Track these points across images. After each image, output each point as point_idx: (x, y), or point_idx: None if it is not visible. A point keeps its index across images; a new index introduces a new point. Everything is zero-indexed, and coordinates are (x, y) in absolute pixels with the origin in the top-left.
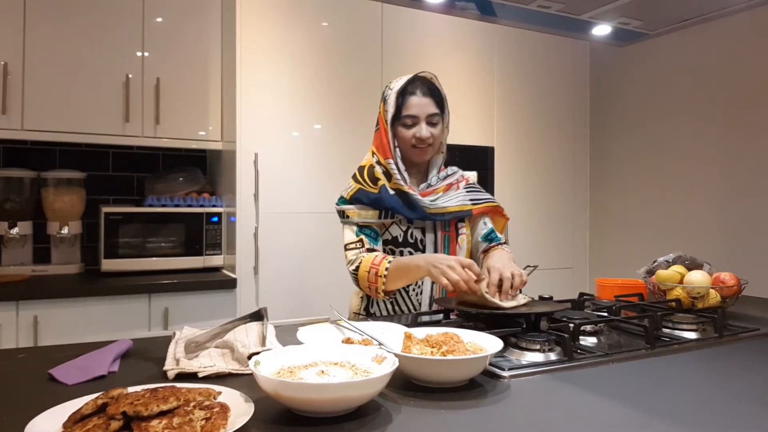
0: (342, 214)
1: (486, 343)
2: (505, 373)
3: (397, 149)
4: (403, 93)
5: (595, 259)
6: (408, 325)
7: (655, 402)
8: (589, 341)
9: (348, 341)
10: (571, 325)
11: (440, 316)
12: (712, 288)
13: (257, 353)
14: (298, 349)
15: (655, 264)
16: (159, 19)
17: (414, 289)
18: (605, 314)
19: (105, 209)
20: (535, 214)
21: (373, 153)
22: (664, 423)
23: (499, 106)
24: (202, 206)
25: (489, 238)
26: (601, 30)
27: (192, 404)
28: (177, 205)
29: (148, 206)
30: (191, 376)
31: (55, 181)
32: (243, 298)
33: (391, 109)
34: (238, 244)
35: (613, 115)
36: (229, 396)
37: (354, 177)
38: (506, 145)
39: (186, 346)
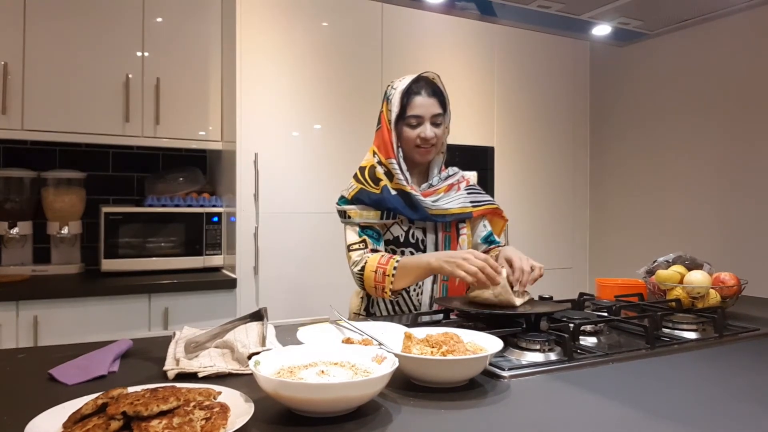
0: (343, 215)
1: (486, 343)
2: (505, 373)
3: (400, 149)
4: (408, 93)
5: (595, 259)
6: (408, 325)
7: (655, 402)
8: (589, 341)
9: (348, 341)
10: (571, 325)
11: (440, 316)
12: (712, 288)
13: (257, 353)
14: (298, 349)
15: (655, 264)
16: (159, 19)
17: (414, 289)
18: (605, 314)
19: (105, 209)
20: (535, 214)
21: (375, 152)
22: (664, 423)
23: (499, 106)
24: (202, 206)
25: (488, 240)
26: (601, 30)
27: (192, 404)
28: (177, 205)
29: (148, 206)
30: (191, 376)
31: (55, 181)
32: (243, 298)
33: (395, 108)
34: (238, 244)
35: (613, 115)
36: (229, 396)
37: (355, 177)
38: (506, 145)
39: (186, 346)
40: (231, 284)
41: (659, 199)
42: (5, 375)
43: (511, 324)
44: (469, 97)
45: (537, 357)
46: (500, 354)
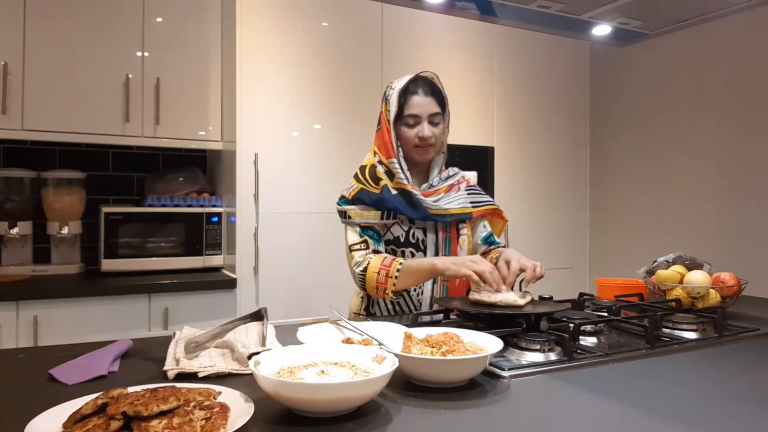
0: (344, 215)
1: (486, 343)
2: (505, 373)
3: (400, 149)
4: (405, 92)
5: (595, 259)
6: (408, 325)
7: (655, 402)
8: (589, 341)
9: (348, 341)
10: (571, 325)
11: (440, 316)
12: (712, 288)
13: (257, 353)
14: (298, 349)
15: (655, 264)
16: (159, 19)
17: (415, 289)
18: (605, 314)
19: (105, 209)
20: (535, 214)
21: (375, 153)
22: (664, 423)
23: (499, 106)
24: (202, 206)
25: (488, 241)
26: (601, 30)
27: (192, 404)
28: (177, 205)
29: (148, 206)
30: (191, 376)
31: (55, 181)
32: (243, 298)
33: (393, 108)
34: (238, 244)
35: (613, 115)
36: (229, 396)
37: (356, 177)
38: (506, 145)
39: (186, 346)
40: (231, 284)
41: (659, 199)
42: (5, 375)
43: (511, 324)
44: (469, 97)
45: (537, 357)
46: (500, 354)
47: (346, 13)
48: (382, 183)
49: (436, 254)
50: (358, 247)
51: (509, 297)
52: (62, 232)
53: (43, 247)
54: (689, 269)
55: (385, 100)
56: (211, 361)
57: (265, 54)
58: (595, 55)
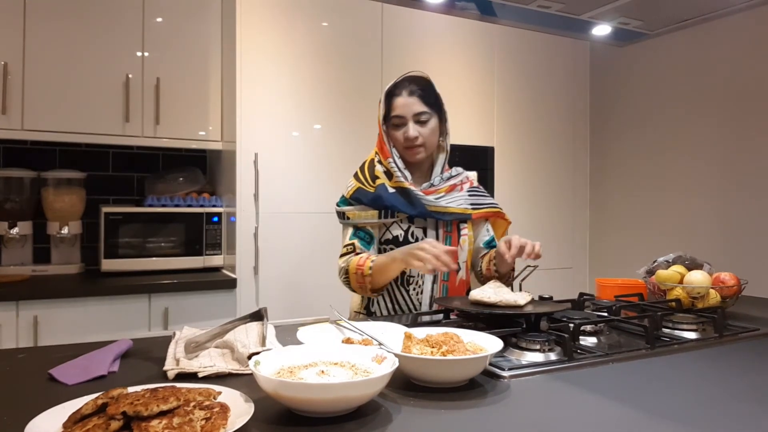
0: (342, 216)
1: (486, 343)
2: (505, 373)
3: (394, 149)
4: (390, 94)
5: (595, 259)
6: (408, 325)
7: (655, 402)
8: (589, 341)
9: (348, 341)
10: (571, 325)
11: (440, 316)
12: (712, 288)
13: (257, 353)
14: (298, 349)
15: (655, 264)
16: (159, 19)
17: (414, 289)
18: (605, 314)
19: (105, 209)
20: (535, 214)
21: (376, 153)
22: (664, 423)
23: (499, 106)
24: (202, 206)
25: (491, 245)
26: (601, 30)
27: (192, 404)
28: (177, 205)
29: (148, 206)
30: (191, 376)
31: (55, 181)
32: (243, 298)
33: (381, 110)
34: (238, 244)
35: (613, 115)
36: (229, 396)
37: (355, 175)
38: (506, 145)
39: (186, 346)
40: (231, 284)
41: (659, 199)
42: (5, 375)
43: (511, 324)
44: (469, 97)
45: (537, 357)
46: (500, 354)
47: (346, 13)
48: (378, 182)
49: None
50: (345, 250)
51: (509, 297)
52: (62, 232)
53: (43, 247)
54: (689, 269)
55: (379, 102)
56: (211, 361)
57: (265, 54)
58: (595, 55)
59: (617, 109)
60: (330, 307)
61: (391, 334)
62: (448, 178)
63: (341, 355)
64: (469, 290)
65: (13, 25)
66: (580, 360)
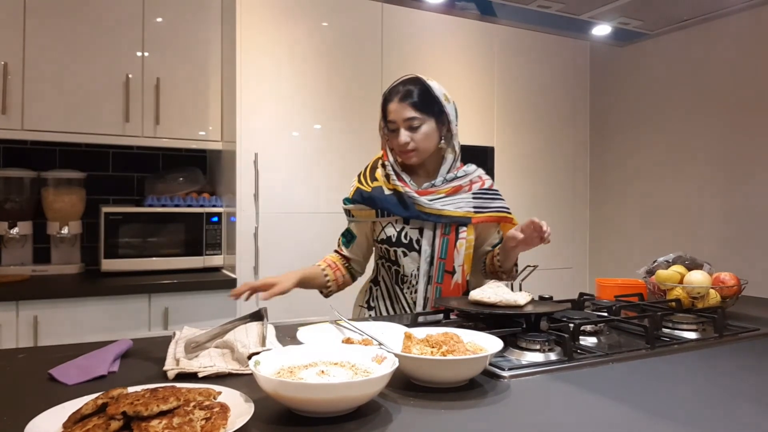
0: (348, 213)
1: (486, 343)
2: (505, 373)
3: (391, 152)
4: (385, 100)
5: (595, 259)
6: (408, 325)
7: (655, 402)
8: (589, 341)
9: (348, 341)
10: (571, 325)
11: (440, 316)
12: (712, 288)
13: (257, 353)
14: (298, 349)
15: (655, 264)
16: (159, 20)
17: (408, 288)
18: (605, 314)
19: (105, 209)
20: (535, 214)
21: (382, 152)
22: (664, 423)
23: (499, 106)
24: (202, 206)
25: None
26: (601, 30)
27: (192, 404)
28: (177, 205)
29: (148, 206)
30: (191, 376)
31: (55, 181)
32: (243, 298)
33: (379, 115)
34: (238, 244)
35: (612, 115)
36: (229, 396)
37: (358, 176)
38: (506, 145)
39: (186, 346)
40: (231, 284)
41: (659, 199)
42: (5, 375)
43: (511, 324)
44: (469, 97)
45: (537, 357)
46: (500, 354)
47: (346, 13)
48: (375, 183)
49: (432, 255)
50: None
51: (509, 297)
52: (62, 232)
53: (43, 247)
54: (689, 269)
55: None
56: (211, 361)
57: (265, 54)
58: (595, 55)
59: (617, 109)
60: (330, 307)
61: (391, 334)
62: (453, 179)
63: (341, 355)
64: (466, 292)
65: (14, 25)
66: (580, 360)
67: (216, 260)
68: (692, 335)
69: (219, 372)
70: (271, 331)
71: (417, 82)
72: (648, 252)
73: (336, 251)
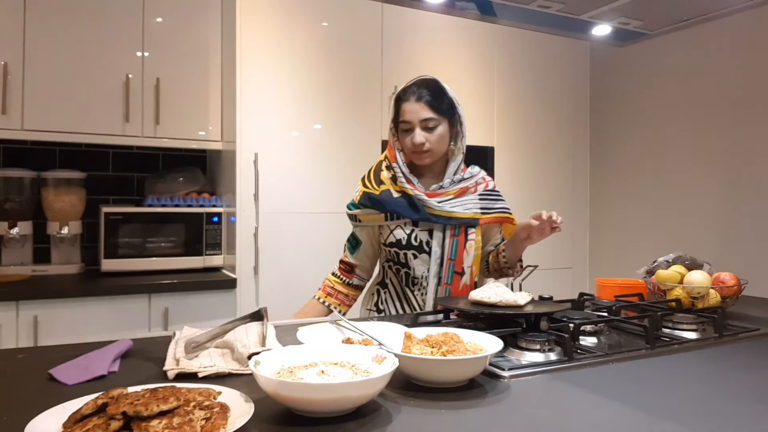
0: (354, 218)
1: (486, 343)
2: (505, 373)
3: (400, 153)
4: (399, 99)
5: (595, 259)
6: (408, 325)
7: (655, 402)
8: (589, 341)
9: (348, 341)
10: (571, 325)
11: (440, 316)
12: (712, 288)
13: (257, 353)
14: (298, 349)
15: (655, 264)
16: (159, 20)
17: (419, 290)
18: (605, 314)
19: (105, 209)
20: None
21: (386, 154)
22: (664, 423)
23: (499, 106)
24: (202, 206)
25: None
26: (601, 30)
27: (192, 404)
28: (177, 205)
29: (148, 206)
30: (191, 376)
31: (55, 181)
32: (243, 298)
33: (391, 114)
34: (238, 244)
35: (612, 115)
36: (229, 396)
37: (362, 179)
38: (506, 145)
39: (186, 346)
40: (231, 284)
41: (659, 199)
42: (5, 375)
43: (511, 324)
44: (470, 97)
45: (537, 357)
46: (500, 354)
47: (346, 13)
48: (383, 187)
49: (442, 257)
50: (339, 262)
51: (509, 297)
52: (62, 232)
53: (43, 247)
54: (689, 269)
55: (390, 104)
56: (211, 361)
57: (265, 54)
58: (595, 55)
59: (617, 109)
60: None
61: (391, 334)
62: (460, 181)
63: (341, 355)
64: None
65: (14, 25)
66: (580, 360)
67: (216, 260)
68: (692, 335)
69: (219, 372)
70: (271, 331)
71: (433, 83)
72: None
73: (333, 271)
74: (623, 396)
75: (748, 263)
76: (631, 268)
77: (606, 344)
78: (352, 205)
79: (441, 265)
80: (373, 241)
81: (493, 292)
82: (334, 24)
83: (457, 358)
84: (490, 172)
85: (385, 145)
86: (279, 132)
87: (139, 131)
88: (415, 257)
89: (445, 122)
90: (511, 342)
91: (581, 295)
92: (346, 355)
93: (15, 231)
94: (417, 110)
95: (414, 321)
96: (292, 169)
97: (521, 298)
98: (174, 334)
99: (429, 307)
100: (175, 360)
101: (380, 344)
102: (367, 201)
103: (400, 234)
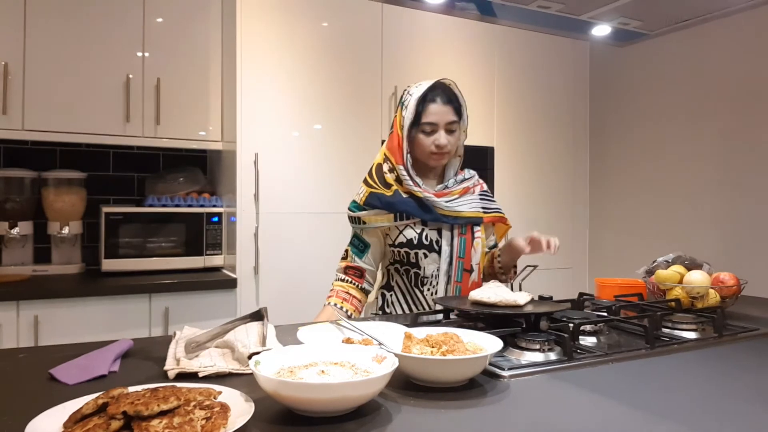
0: (358, 220)
1: (486, 343)
2: (505, 373)
3: (408, 155)
4: (424, 100)
5: (594, 259)
6: (408, 325)
7: (654, 401)
8: (588, 341)
9: (348, 341)
10: (571, 324)
11: (440, 316)
12: (711, 288)
13: (257, 353)
14: (298, 349)
15: (655, 264)
16: (159, 20)
17: (429, 289)
18: (605, 314)
19: (105, 209)
20: (534, 214)
21: (386, 155)
22: (664, 422)
23: (499, 106)
24: (202, 206)
25: (494, 248)
26: (601, 30)
27: (192, 404)
28: (177, 205)
29: (149, 206)
30: (191, 376)
31: (55, 181)
32: (243, 298)
33: (410, 115)
34: (238, 244)
35: (612, 115)
36: (229, 396)
37: (365, 181)
38: (506, 145)
39: (186, 345)
40: (231, 284)
41: (659, 199)
42: (6, 375)
43: (511, 324)
44: (469, 98)
45: (537, 357)
46: (500, 354)
47: (346, 14)
48: (393, 188)
49: (451, 255)
50: (343, 255)
51: (509, 297)
52: (63, 232)
53: (44, 247)
54: (689, 269)
55: (402, 105)
56: (211, 360)
57: (265, 54)
58: (595, 56)
59: (617, 109)
60: (328, 319)
61: (391, 334)
62: (462, 181)
63: (341, 355)
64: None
65: (14, 25)
66: (579, 360)
67: (216, 260)
68: (692, 335)
69: (219, 372)
70: (271, 331)
71: (453, 87)
72: (647, 252)
73: (341, 277)
74: (623, 395)
75: (747, 263)
76: (631, 268)
77: (605, 344)
78: (356, 207)
79: (450, 263)
80: (380, 243)
81: (493, 292)
82: (334, 24)
83: (456, 358)
84: (490, 172)
85: None
86: (279, 132)
87: (139, 131)
88: (426, 256)
89: (459, 125)
90: (510, 342)
91: (581, 295)
92: (346, 355)
93: (15, 231)
94: (444, 112)
95: (414, 321)
96: (293, 169)
97: (521, 298)
98: (174, 333)
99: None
100: (176, 360)
101: (380, 344)
102: (377, 202)
103: (411, 234)
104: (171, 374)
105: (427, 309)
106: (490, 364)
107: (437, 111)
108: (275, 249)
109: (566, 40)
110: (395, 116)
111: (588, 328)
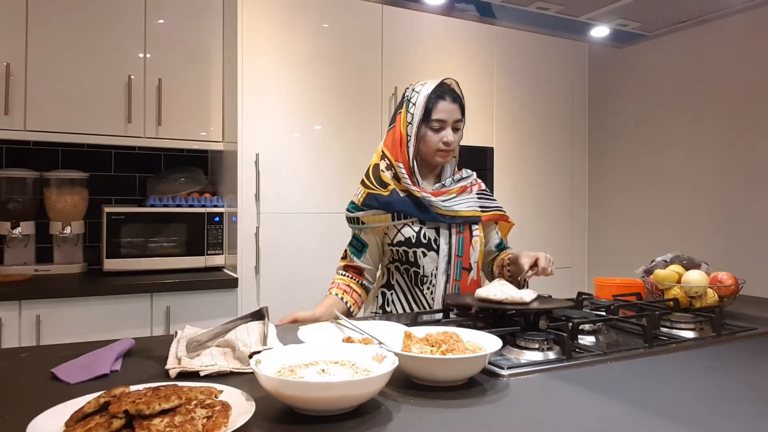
0: (356, 221)
1: (485, 342)
2: (504, 372)
3: (410, 150)
4: (434, 97)
5: (593, 259)
6: (408, 324)
7: (653, 401)
8: (587, 340)
9: (348, 340)
10: (570, 324)
11: (440, 315)
12: (709, 287)
13: (258, 352)
14: (298, 348)
15: (653, 263)
16: (161, 21)
17: (428, 288)
18: (604, 313)
19: (107, 209)
20: (534, 214)
21: (383, 153)
22: (662, 421)
23: (498, 107)
24: (203, 206)
25: (500, 248)
26: (600, 31)
27: (194, 403)
28: (179, 206)
29: (150, 206)
30: (193, 375)
31: (57, 181)
32: (244, 297)
33: (419, 111)
34: (239, 244)
35: (611, 116)
36: (230, 394)
37: (362, 182)
38: (505, 145)
39: (187, 345)
40: (232, 284)
41: (657, 199)
42: (8, 374)
43: (510, 323)
44: (469, 98)
45: (536, 356)
46: (499, 353)
47: (347, 15)
48: (390, 187)
49: (449, 254)
50: (342, 254)
51: (515, 294)
52: (65, 232)
53: (46, 247)
54: (687, 269)
55: (407, 101)
56: (212, 360)
57: (266, 55)
58: (594, 57)
59: (616, 110)
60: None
61: (391, 333)
62: (459, 180)
63: (342, 354)
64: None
65: (16, 25)
66: (578, 359)
67: (217, 260)
68: (690, 334)
69: (220, 371)
70: (272, 330)
71: (455, 85)
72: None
73: (342, 273)
74: (621, 394)
75: (745, 263)
76: (630, 267)
77: (604, 343)
78: (354, 208)
79: (449, 262)
80: (378, 243)
81: (499, 289)
82: (334, 25)
83: (456, 357)
84: (490, 173)
85: None
86: (280, 133)
87: (141, 132)
88: (425, 255)
89: (462, 125)
90: (510, 341)
91: (580, 294)
92: (347, 354)
93: (18, 231)
94: (453, 110)
95: (414, 320)
96: (293, 170)
97: (527, 295)
98: (176, 333)
99: (438, 304)
100: (177, 359)
101: (380, 343)
102: (374, 202)
103: (409, 232)
104: (172, 373)
105: (428, 307)
106: (490, 363)
107: (447, 108)
108: (276, 249)
109: (565, 41)
110: (398, 113)
111: (587, 327)
